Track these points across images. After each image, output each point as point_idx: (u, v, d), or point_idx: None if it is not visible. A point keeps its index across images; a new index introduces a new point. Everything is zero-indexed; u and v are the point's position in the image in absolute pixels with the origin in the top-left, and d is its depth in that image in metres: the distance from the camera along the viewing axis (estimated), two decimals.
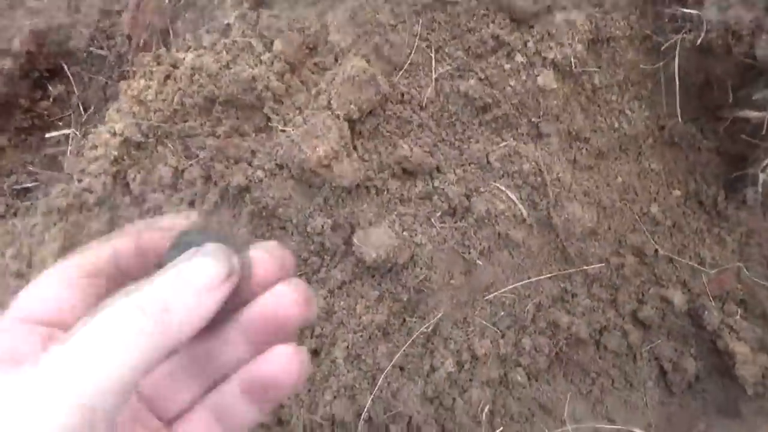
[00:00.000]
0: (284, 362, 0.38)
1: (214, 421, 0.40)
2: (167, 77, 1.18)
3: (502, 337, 1.16)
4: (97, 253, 0.39)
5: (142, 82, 1.17)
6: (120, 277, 0.39)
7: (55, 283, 0.37)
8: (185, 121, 1.17)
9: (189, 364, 0.41)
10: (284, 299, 0.39)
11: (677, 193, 1.34)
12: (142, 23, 1.24)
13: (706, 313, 1.27)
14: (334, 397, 0.94)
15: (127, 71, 1.26)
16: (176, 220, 0.42)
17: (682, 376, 1.33)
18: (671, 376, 1.34)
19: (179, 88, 1.17)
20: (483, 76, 1.14)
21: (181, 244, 0.38)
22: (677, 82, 1.09)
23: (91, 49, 1.40)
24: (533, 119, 1.17)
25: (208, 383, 0.41)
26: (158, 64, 1.20)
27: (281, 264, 0.41)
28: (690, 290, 1.33)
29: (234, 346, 0.40)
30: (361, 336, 0.99)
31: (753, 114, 1.03)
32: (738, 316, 1.29)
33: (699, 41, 1.03)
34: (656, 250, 1.32)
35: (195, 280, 0.35)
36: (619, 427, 1.11)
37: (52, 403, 0.28)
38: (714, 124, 1.23)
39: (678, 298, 1.31)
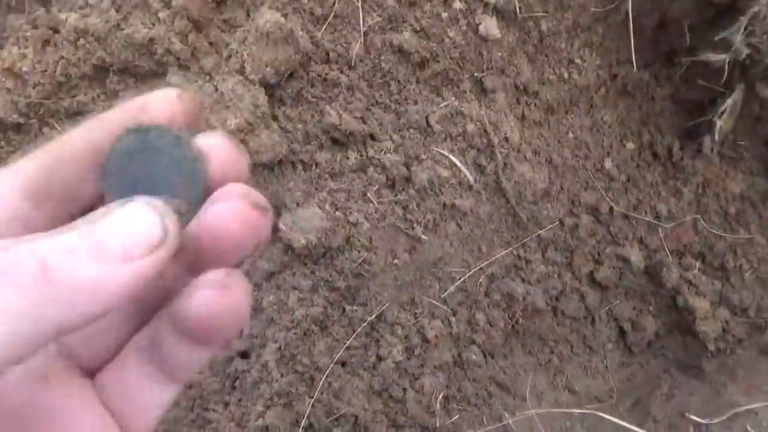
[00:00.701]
0: (211, 295, 0.30)
1: (148, 364, 0.33)
2: (46, 43, 1.00)
3: (454, 315, 1.07)
4: (31, 169, 0.30)
5: (16, 50, 0.99)
6: (68, 195, 0.31)
7: None
8: (73, 96, 1.00)
9: None
10: (228, 212, 0.31)
11: (631, 145, 1.26)
12: None
13: (665, 269, 1.22)
14: (267, 407, 0.83)
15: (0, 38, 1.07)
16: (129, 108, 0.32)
17: (641, 336, 1.29)
18: (631, 336, 1.30)
19: (62, 57, 0.99)
20: (418, 27, 1.01)
21: (124, 151, 0.31)
22: (631, 25, 0.98)
23: None
24: (476, 74, 1.05)
25: (138, 321, 0.34)
26: (34, 27, 1.01)
27: (235, 165, 0.33)
28: (647, 247, 1.27)
29: (165, 272, 0.32)
30: (295, 333, 0.88)
31: (713, 57, 0.93)
32: (696, 270, 1.25)
33: None
34: (611, 208, 1.25)
35: (108, 246, 0.27)
36: (575, 401, 1.05)
37: None
38: (669, 70, 1.14)
39: (635, 255, 1.25)
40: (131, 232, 0.28)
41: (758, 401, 0.94)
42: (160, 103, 0.33)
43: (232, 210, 0.30)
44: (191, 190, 0.32)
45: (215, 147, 0.33)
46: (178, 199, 0.31)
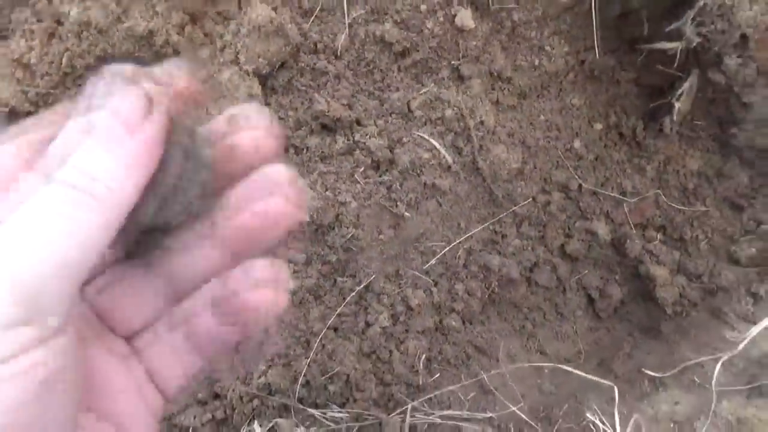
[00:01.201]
0: (255, 283, 0.32)
1: (182, 338, 0.34)
2: (51, 35, 1.06)
3: (435, 285, 1.16)
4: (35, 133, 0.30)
5: (23, 42, 1.05)
6: None
7: None
8: (80, 86, 1.07)
9: (152, 278, 0.35)
10: (270, 193, 0.31)
11: (598, 126, 1.35)
12: None
13: (628, 241, 1.32)
14: (269, 367, 0.93)
15: (5, 30, 1.12)
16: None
17: (608, 303, 1.39)
18: (598, 303, 1.40)
19: (66, 48, 1.05)
20: (399, 19, 1.08)
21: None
22: (594, 14, 1.07)
23: None
24: (453, 62, 1.13)
25: (174, 297, 0.35)
26: (39, 20, 1.07)
27: (269, 134, 0.33)
28: (613, 221, 1.37)
29: (205, 252, 0.33)
30: (292, 302, 0.97)
31: (667, 45, 1.02)
32: (657, 242, 1.34)
33: None
34: (580, 185, 1.34)
35: (103, 127, 0.27)
36: (546, 363, 1.15)
37: None
38: (631, 56, 1.23)
39: (602, 229, 1.35)
40: (125, 110, 0.28)
41: (705, 356, 1.05)
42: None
43: (275, 203, 0.31)
44: (200, 178, 0.31)
45: (247, 118, 0.33)
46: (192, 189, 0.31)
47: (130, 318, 0.35)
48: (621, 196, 1.36)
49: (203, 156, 0.31)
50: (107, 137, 0.27)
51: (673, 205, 1.36)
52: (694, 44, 1.02)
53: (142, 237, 0.33)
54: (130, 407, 0.34)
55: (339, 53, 1.07)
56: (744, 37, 1.02)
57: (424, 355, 1.09)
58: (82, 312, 0.33)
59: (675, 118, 1.26)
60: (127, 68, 0.29)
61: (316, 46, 1.06)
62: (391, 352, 1.06)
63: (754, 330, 1.00)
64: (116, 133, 0.27)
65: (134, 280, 0.34)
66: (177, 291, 0.35)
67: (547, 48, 1.21)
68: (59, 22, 1.08)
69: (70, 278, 0.26)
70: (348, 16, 1.07)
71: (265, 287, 0.32)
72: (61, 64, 1.05)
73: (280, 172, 0.32)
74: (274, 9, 1.04)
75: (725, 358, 1.03)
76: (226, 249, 0.33)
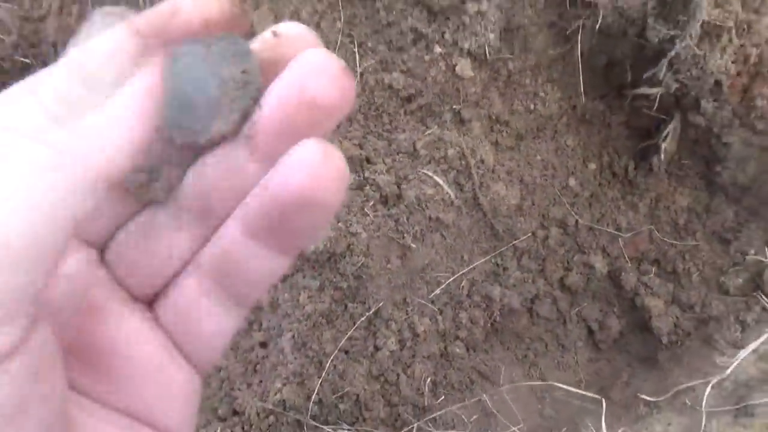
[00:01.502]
0: (305, 169, 0.24)
1: (212, 285, 0.28)
2: None
3: (440, 313, 1.23)
4: None
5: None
6: None
7: None
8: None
9: (175, 212, 0.28)
10: (311, 76, 0.25)
11: (592, 166, 1.45)
12: (67, 29, 1.23)
13: (624, 274, 1.39)
14: (284, 384, 1.00)
15: None
16: None
17: (607, 334, 1.44)
18: (598, 334, 1.45)
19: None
20: (405, 68, 1.20)
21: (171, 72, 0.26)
22: (580, 65, 1.18)
23: (15, 58, 1.36)
24: (455, 106, 1.24)
25: (203, 233, 0.28)
26: None
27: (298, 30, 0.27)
28: (609, 255, 1.44)
29: (241, 166, 0.27)
30: (306, 325, 1.04)
31: (648, 91, 1.13)
32: (652, 275, 1.41)
33: (598, 26, 1.12)
34: (577, 221, 1.42)
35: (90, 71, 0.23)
36: (541, 382, 1.21)
37: None
38: (620, 101, 1.34)
39: (599, 263, 1.42)
40: (112, 51, 0.24)
41: (696, 380, 1.11)
42: (192, 7, 0.26)
43: (324, 71, 0.25)
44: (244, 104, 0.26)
45: (296, 33, 0.27)
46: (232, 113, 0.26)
47: (148, 274, 0.29)
48: (616, 232, 1.44)
49: (245, 79, 0.26)
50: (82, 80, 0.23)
51: (666, 239, 1.43)
52: (673, 89, 1.13)
53: (164, 168, 0.28)
54: (159, 390, 0.28)
55: None
56: (718, 83, 1.12)
57: (429, 379, 1.15)
58: (101, 279, 0.28)
59: (663, 158, 1.35)
60: (120, 9, 0.25)
61: None
62: (398, 375, 1.13)
63: (742, 354, 1.06)
64: (95, 79, 0.23)
65: (158, 224, 0.28)
66: (210, 224, 0.28)
67: (541, 94, 1.32)
68: None
69: (31, 273, 0.20)
70: (359, 66, 1.18)
71: (323, 161, 0.24)
72: None
73: (325, 56, 0.25)
74: None
75: (714, 381, 1.08)
76: (267, 156, 0.26)
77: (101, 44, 0.24)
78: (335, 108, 0.25)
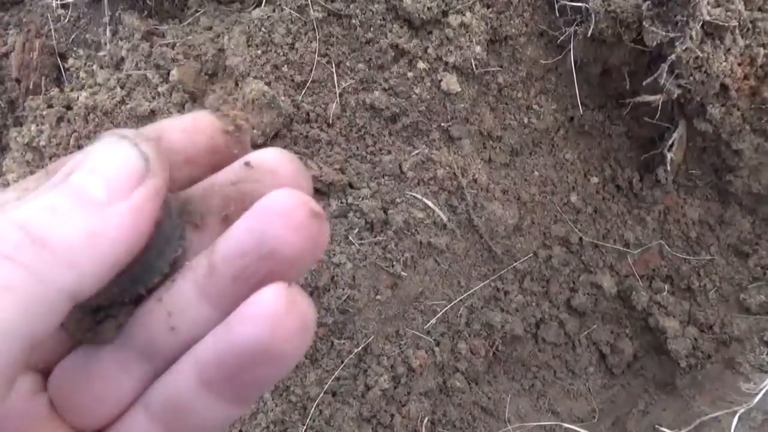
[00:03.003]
0: (266, 320, 0.23)
1: (163, 429, 0.27)
2: (60, 119, 1.13)
3: (437, 345, 1.15)
4: None
5: (34, 127, 1.12)
6: None
7: None
8: None
9: (120, 349, 0.27)
10: (273, 225, 0.24)
11: (594, 180, 1.37)
12: (31, 65, 1.18)
13: (634, 293, 1.30)
14: None
15: (21, 116, 1.20)
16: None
17: (620, 358, 1.35)
18: (610, 358, 1.36)
19: (74, 130, 1.12)
20: (387, 86, 1.13)
21: None
22: (574, 75, 1.11)
23: None
24: (443, 124, 1.17)
25: (150, 372, 0.27)
26: (49, 106, 1.14)
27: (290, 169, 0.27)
28: (618, 273, 1.36)
29: (187, 309, 0.26)
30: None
31: (649, 98, 1.05)
32: (665, 293, 1.32)
33: (590, 32, 1.05)
34: (581, 238, 1.34)
35: (91, 192, 0.23)
36: (558, 422, 1.12)
37: None
38: (619, 110, 1.26)
39: (607, 282, 1.33)
40: (109, 171, 0.24)
41: (721, 410, 1.01)
42: (178, 134, 0.27)
43: (287, 218, 0.24)
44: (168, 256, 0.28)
45: (271, 164, 0.28)
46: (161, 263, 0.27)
47: (95, 407, 0.28)
48: (624, 248, 1.36)
49: (178, 227, 0.27)
50: (77, 199, 0.23)
51: (678, 254, 1.34)
52: (676, 95, 1.05)
53: (102, 313, 0.28)
54: None
55: (331, 121, 1.11)
56: (724, 87, 1.04)
57: (427, 418, 1.07)
58: (42, 409, 0.27)
59: (669, 168, 1.26)
60: (127, 131, 0.25)
61: (308, 116, 1.11)
62: (392, 416, 1.04)
63: None
64: (102, 199, 0.23)
65: (102, 360, 0.28)
66: (152, 362, 0.27)
67: (535, 107, 1.25)
68: (69, 107, 1.15)
69: (31, 324, 0.21)
70: (338, 86, 1.12)
71: (286, 311, 0.24)
72: (69, 144, 1.11)
73: (292, 201, 0.25)
74: (268, 83, 1.10)
75: (742, 411, 0.99)
76: (221, 302, 0.26)
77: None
78: (298, 259, 0.25)
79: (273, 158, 0.28)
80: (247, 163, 0.28)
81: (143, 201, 0.24)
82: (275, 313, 0.24)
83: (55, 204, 0.23)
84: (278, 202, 0.25)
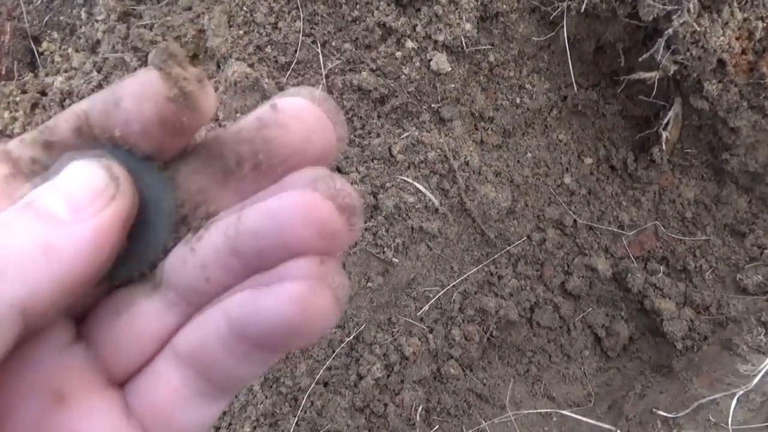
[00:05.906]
0: (302, 290, 0.23)
1: (189, 373, 0.27)
2: (35, 106, 1.08)
3: (431, 332, 1.13)
4: None
5: (7, 114, 1.07)
6: None
7: None
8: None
9: (157, 294, 0.28)
10: (292, 221, 0.23)
11: (588, 160, 1.34)
12: (2, 49, 1.13)
13: (630, 275, 1.28)
14: (255, 428, 0.89)
15: None
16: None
17: (616, 341, 1.34)
18: (606, 341, 1.34)
19: (49, 117, 1.07)
20: (375, 67, 1.09)
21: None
22: (568, 52, 1.07)
23: None
24: (433, 105, 1.13)
25: (184, 317, 0.28)
26: (23, 92, 1.09)
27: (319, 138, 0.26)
28: (612, 255, 1.34)
29: (220, 263, 0.26)
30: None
31: (644, 75, 1.02)
32: (661, 274, 1.30)
33: (584, 7, 1.01)
34: (575, 221, 1.31)
35: (52, 208, 0.23)
36: (554, 408, 1.10)
37: None
38: (613, 88, 1.23)
39: (602, 264, 1.31)
40: (72, 188, 0.24)
41: (719, 392, 1.00)
42: (130, 101, 0.25)
43: (299, 205, 0.24)
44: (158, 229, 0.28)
45: (297, 109, 0.26)
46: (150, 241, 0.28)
47: (132, 350, 0.28)
48: (618, 230, 1.33)
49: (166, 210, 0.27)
50: (34, 214, 0.23)
51: (673, 235, 1.32)
52: (672, 72, 1.02)
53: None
54: None
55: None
56: (721, 62, 1.01)
57: (421, 407, 1.04)
58: (75, 359, 0.27)
59: (664, 147, 1.24)
60: (99, 154, 0.25)
61: None
62: (385, 405, 1.02)
63: None
64: (63, 215, 0.23)
65: (139, 305, 0.28)
66: (191, 311, 0.28)
67: (528, 86, 1.21)
68: (43, 93, 1.10)
69: None
70: (324, 67, 1.08)
71: (315, 288, 0.23)
72: None
73: (315, 198, 0.24)
74: (251, 65, 1.05)
75: (741, 393, 0.97)
76: (250, 261, 0.26)
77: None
78: (317, 251, 0.24)
79: (299, 103, 0.26)
80: (273, 106, 0.26)
81: (107, 220, 0.24)
82: (301, 296, 0.23)
83: (10, 219, 0.23)
84: (302, 199, 0.24)
